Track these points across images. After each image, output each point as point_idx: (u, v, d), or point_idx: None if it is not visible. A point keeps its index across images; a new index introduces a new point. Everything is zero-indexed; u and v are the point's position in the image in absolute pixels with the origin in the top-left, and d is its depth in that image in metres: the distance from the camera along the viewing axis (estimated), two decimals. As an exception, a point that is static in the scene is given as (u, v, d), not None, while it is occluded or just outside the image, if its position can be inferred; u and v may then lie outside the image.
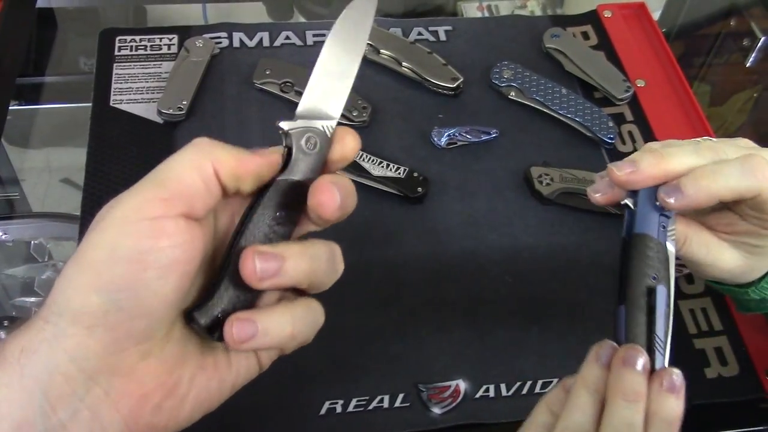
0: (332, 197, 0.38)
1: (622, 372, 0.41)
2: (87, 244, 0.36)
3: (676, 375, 0.41)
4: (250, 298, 0.39)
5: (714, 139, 0.47)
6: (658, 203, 0.44)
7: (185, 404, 0.38)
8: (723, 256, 0.48)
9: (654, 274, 0.43)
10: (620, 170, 0.44)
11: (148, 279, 0.35)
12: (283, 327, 0.39)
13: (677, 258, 0.45)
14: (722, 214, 0.47)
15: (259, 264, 0.37)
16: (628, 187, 0.44)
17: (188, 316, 0.39)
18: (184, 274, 0.36)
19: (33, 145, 0.90)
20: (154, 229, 0.35)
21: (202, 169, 0.37)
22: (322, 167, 0.41)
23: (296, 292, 0.41)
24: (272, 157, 0.40)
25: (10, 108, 0.87)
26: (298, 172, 0.40)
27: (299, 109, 0.41)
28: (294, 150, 0.40)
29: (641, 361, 0.41)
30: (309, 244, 0.40)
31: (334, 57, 0.43)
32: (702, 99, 1.03)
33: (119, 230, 0.35)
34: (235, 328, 0.37)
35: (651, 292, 0.43)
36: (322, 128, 0.41)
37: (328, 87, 0.43)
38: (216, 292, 0.38)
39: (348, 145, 0.41)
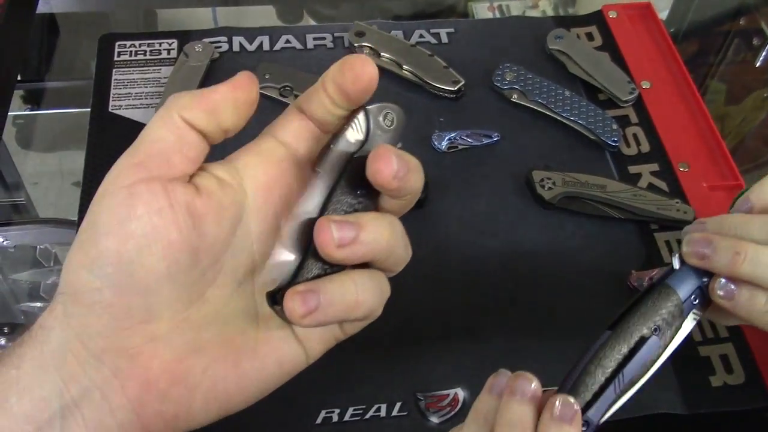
0: (389, 164, 0.37)
1: (508, 401, 0.39)
2: (81, 226, 0.36)
3: (570, 403, 0.39)
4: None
5: None
6: (705, 280, 0.43)
7: (196, 396, 0.37)
8: None
9: (657, 326, 0.42)
10: (692, 246, 0.43)
11: (131, 251, 0.34)
12: (347, 294, 0.37)
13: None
14: None
15: (336, 231, 0.36)
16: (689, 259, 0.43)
17: (269, 300, 0.38)
18: (170, 243, 0.35)
19: (43, 149, 0.90)
20: (128, 196, 0.35)
21: (170, 122, 0.36)
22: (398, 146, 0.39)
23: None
24: (239, 80, 0.38)
25: (20, 113, 0.87)
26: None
27: None
28: (372, 126, 0.39)
29: (530, 389, 0.39)
30: (385, 214, 0.39)
31: None
32: (717, 98, 1.02)
33: (99, 204, 0.35)
34: (297, 302, 0.36)
35: (643, 339, 0.41)
36: (397, 106, 0.40)
37: None
38: (297, 273, 0.37)
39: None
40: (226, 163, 0.40)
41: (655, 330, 0.42)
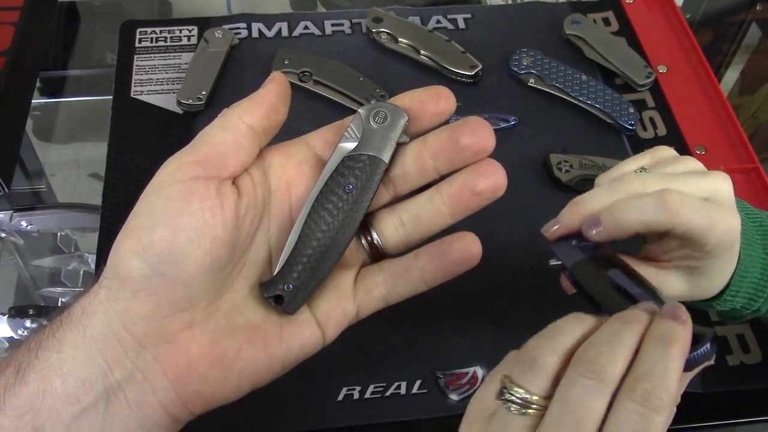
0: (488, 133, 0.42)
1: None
2: (132, 213, 0.38)
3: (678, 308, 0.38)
4: (317, 273, 0.41)
5: (666, 155, 0.48)
6: (574, 242, 0.46)
7: (231, 376, 0.39)
8: (667, 283, 0.46)
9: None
10: (547, 230, 0.47)
11: (181, 242, 0.37)
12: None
13: None
14: (659, 243, 0.46)
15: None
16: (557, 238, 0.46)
17: (262, 289, 0.41)
18: (216, 239, 0.38)
19: (61, 140, 0.91)
20: (185, 190, 0.37)
21: (231, 126, 0.39)
22: (395, 143, 0.42)
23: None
24: (276, 76, 0.41)
25: (38, 102, 0.88)
26: (368, 146, 0.41)
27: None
28: (364, 125, 0.41)
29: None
30: None
31: None
32: (732, 88, 1.02)
33: (156, 195, 0.38)
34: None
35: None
36: (391, 104, 0.42)
37: None
38: (284, 266, 0.40)
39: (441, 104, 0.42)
40: (257, 163, 0.42)
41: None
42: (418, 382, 0.57)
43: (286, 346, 0.41)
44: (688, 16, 0.97)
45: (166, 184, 0.38)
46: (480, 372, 0.57)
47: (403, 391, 0.56)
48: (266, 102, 0.40)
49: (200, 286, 0.38)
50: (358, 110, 0.42)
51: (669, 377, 0.33)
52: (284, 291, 0.40)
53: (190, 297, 0.38)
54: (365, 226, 0.43)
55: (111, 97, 0.74)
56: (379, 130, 0.41)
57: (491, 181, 0.43)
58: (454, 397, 0.56)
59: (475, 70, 0.75)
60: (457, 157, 0.42)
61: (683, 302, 0.45)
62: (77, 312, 0.38)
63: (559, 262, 0.46)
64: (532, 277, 0.63)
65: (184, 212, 0.37)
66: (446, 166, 0.42)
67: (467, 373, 0.57)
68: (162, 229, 0.37)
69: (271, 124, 0.41)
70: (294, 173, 0.42)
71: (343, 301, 0.43)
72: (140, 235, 0.37)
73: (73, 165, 0.89)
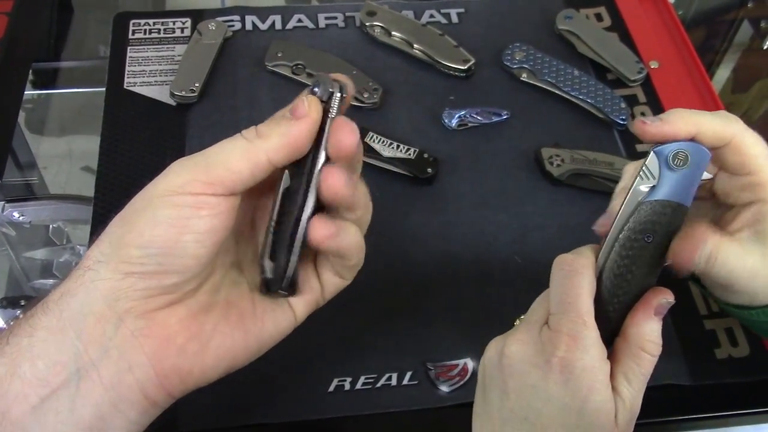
0: (352, 134, 0.40)
1: None
2: (132, 207, 0.39)
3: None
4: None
5: None
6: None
7: (208, 351, 0.40)
8: (739, 252, 0.44)
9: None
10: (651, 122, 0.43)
11: (186, 242, 0.38)
12: (357, 235, 0.43)
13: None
14: (725, 213, 0.47)
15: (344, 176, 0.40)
16: (656, 137, 0.43)
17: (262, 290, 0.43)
18: (218, 239, 0.39)
19: (53, 132, 0.91)
20: (195, 202, 0.38)
21: (254, 158, 0.39)
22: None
23: None
24: (312, 114, 0.41)
25: (31, 94, 0.88)
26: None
27: None
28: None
29: None
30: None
31: None
32: (724, 86, 1.02)
33: (163, 200, 0.38)
34: (320, 228, 0.41)
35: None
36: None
37: None
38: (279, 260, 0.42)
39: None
40: None
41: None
42: (408, 374, 0.57)
43: (260, 323, 0.43)
44: (680, 12, 0.97)
45: (174, 193, 0.38)
46: (470, 364, 0.58)
47: (393, 382, 0.57)
48: (297, 144, 0.40)
49: (193, 275, 0.40)
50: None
51: None
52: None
53: (181, 284, 0.39)
54: None
55: (104, 89, 0.74)
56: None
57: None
58: (444, 388, 0.57)
59: (468, 65, 0.75)
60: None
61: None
62: (55, 296, 0.38)
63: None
64: (523, 269, 0.63)
65: (192, 217, 0.38)
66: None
67: (458, 365, 0.58)
68: (167, 228, 0.38)
69: (294, 157, 0.41)
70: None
71: (310, 279, 0.45)
72: (143, 230, 0.38)
73: (66, 157, 0.89)
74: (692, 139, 0.42)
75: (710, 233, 0.43)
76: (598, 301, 0.42)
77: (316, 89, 0.42)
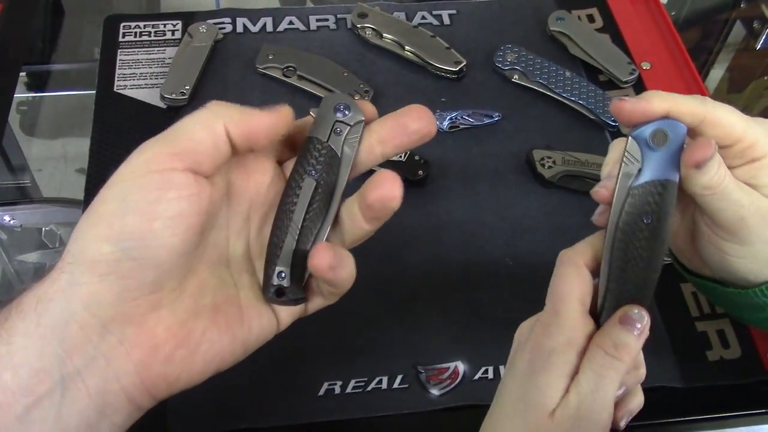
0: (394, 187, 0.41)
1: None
2: (98, 199, 0.38)
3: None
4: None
5: None
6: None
7: (196, 357, 0.40)
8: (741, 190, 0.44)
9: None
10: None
11: (157, 229, 0.37)
12: (353, 267, 0.42)
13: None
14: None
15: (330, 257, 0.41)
16: (633, 114, 0.43)
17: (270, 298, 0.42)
18: (191, 227, 0.38)
19: (47, 135, 0.91)
20: (162, 180, 0.37)
21: (212, 128, 0.39)
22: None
23: None
24: (283, 111, 0.41)
25: (23, 98, 0.88)
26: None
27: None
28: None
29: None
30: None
31: None
32: (720, 86, 1.02)
33: (129, 183, 0.37)
34: (324, 256, 0.40)
35: None
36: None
37: None
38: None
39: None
40: None
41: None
42: (399, 377, 0.57)
43: (246, 327, 0.42)
44: (672, 13, 0.97)
45: (139, 173, 0.37)
46: (461, 367, 0.57)
47: (384, 385, 0.56)
48: (253, 126, 0.40)
49: (170, 269, 0.38)
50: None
51: None
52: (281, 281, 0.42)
53: (159, 279, 0.38)
54: None
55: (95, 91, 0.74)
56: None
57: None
58: (435, 391, 0.56)
59: (460, 66, 0.75)
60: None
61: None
62: (31, 301, 0.37)
63: None
64: (514, 272, 0.63)
65: (160, 200, 0.37)
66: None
67: (448, 368, 0.57)
68: (136, 215, 0.36)
69: (248, 146, 0.41)
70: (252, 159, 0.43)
71: None
72: (111, 221, 0.37)
73: (61, 159, 0.89)
74: (666, 117, 0.43)
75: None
76: (606, 290, 0.42)
77: (341, 109, 0.42)
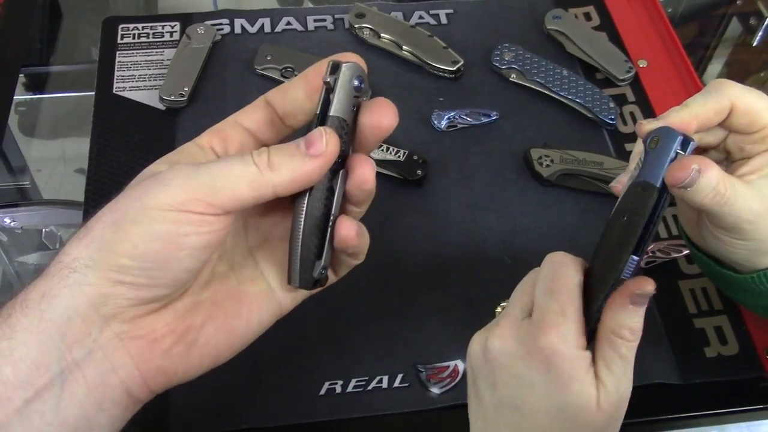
0: (391, 114, 0.42)
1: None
2: (126, 216, 0.38)
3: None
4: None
5: None
6: None
7: (193, 351, 0.40)
8: (747, 191, 0.45)
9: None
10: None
11: (181, 257, 0.38)
12: (367, 234, 0.43)
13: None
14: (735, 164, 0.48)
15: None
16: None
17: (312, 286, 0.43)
18: (211, 252, 0.40)
19: (46, 135, 0.91)
20: (195, 221, 0.38)
21: (261, 192, 0.39)
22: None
23: None
24: (329, 155, 0.40)
25: (22, 99, 0.88)
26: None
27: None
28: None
29: None
30: None
31: None
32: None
33: (162, 215, 0.37)
34: (348, 227, 0.41)
35: None
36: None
37: None
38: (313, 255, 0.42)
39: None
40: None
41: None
42: (399, 376, 0.57)
43: (245, 320, 0.42)
44: (669, 10, 0.97)
45: (174, 209, 0.37)
46: (461, 365, 0.58)
47: (384, 384, 0.57)
48: (308, 181, 0.40)
49: (182, 285, 0.40)
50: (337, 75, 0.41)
51: None
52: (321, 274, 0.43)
53: (171, 294, 0.39)
54: None
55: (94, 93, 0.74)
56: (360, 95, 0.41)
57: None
58: (435, 390, 0.57)
59: (457, 66, 0.75)
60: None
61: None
62: (35, 296, 0.37)
63: None
64: (513, 270, 0.63)
65: (191, 234, 0.38)
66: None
67: (448, 366, 0.58)
68: (163, 243, 0.37)
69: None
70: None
71: None
72: (137, 242, 0.37)
73: (60, 160, 0.89)
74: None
75: (713, 165, 0.42)
76: (588, 288, 0.42)
77: (359, 81, 0.41)
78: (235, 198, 0.38)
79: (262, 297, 0.43)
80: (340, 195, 0.42)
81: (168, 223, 0.37)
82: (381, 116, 0.41)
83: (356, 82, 0.41)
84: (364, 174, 0.41)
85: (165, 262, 0.37)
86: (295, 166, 0.39)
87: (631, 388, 0.42)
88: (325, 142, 0.39)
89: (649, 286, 0.40)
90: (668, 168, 0.42)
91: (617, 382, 0.41)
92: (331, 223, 0.42)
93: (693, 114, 0.44)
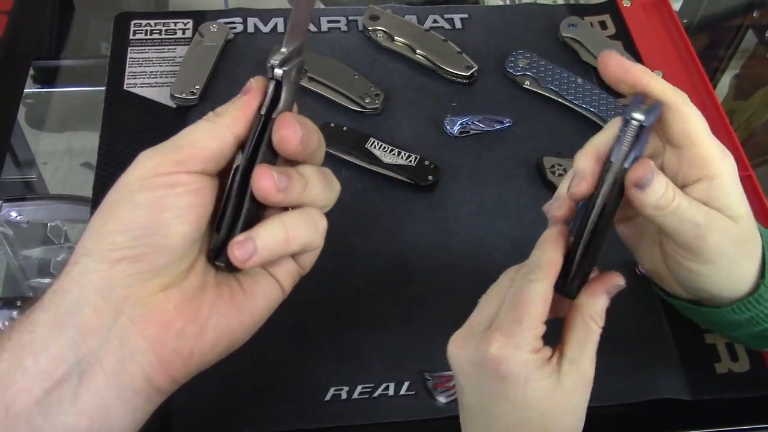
0: (294, 131, 0.41)
1: None
2: (107, 200, 0.40)
3: None
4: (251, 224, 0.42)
5: None
6: None
7: (207, 330, 0.41)
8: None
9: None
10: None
11: (167, 219, 0.39)
12: (277, 234, 0.42)
13: None
14: None
15: (277, 179, 0.40)
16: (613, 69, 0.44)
17: (209, 258, 0.42)
18: (201, 216, 0.40)
19: (54, 128, 0.91)
20: (168, 181, 0.39)
21: (219, 135, 0.41)
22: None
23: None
24: (261, 83, 0.43)
25: (30, 91, 0.88)
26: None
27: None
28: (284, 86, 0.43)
29: None
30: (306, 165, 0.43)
31: None
32: (727, 93, 1.02)
33: (137, 185, 0.39)
34: (237, 250, 0.41)
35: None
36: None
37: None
38: (222, 229, 0.42)
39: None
40: None
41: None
42: (406, 384, 0.57)
43: (251, 298, 0.43)
44: (684, 21, 0.97)
45: (146, 176, 0.39)
46: (468, 375, 0.57)
47: (391, 392, 0.56)
48: (252, 112, 0.42)
49: (182, 253, 0.40)
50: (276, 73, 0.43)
51: None
52: None
53: (172, 263, 0.40)
54: None
55: (104, 88, 0.74)
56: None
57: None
58: (441, 399, 0.56)
59: (471, 71, 0.75)
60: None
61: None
62: (50, 293, 0.39)
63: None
64: (522, 280, 0.63)
65: (168, 196, 0.39)
66: None
67: (455, 375, 0.57)
68: (146, 209, 0.39)
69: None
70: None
71: None
72: (122, 216, 0.39)
73: (66, 154, 0.89)
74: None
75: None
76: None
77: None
78: (197, 147, 0.40)
79: (261, 276, 0.44)
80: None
81: (145, 191, 0.39)
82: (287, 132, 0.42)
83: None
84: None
85: (153, 228, 0.39)
86: (237, 104, 0.42)
87: (593, 373, 0.44)
88: (254, 81, 0.43)
89: (621, 280, 0.45)
90: (630, 170, 0.43)
91: (590, 362, 0.43)
92: (234, 198, 0.42)
93: (650, 76, 0.43)
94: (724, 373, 0.59)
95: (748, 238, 0.45)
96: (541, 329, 0.42)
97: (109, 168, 0.67)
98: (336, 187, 0.45)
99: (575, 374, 0.43)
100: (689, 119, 0.43)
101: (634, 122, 0.42)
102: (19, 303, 0.74)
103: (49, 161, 0.87)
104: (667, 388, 0.57)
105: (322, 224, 0.44)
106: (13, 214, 0.77)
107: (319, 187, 0.43)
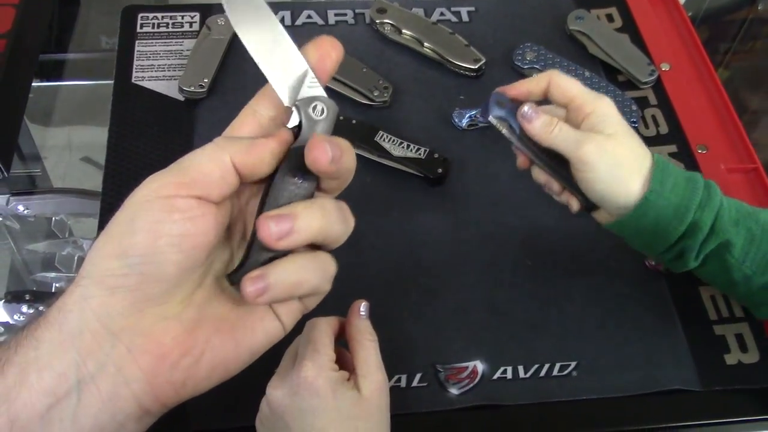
0: (324, 152, 0.40)
1: None
2: (113, 221, 0.40)
3: None
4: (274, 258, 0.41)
5: None
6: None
7: (201, 364, 0.41)
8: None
9: None
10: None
11: (162, 246, 0.38)
12: (290, 276, 0.41)
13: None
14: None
15: (274, 226, 0.39)
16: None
17: (228, 280, 0.42)
18: (197, 245, 0.39)
19: (55, 122, 0.91)
20: (166, 205, 0.39)
21: (219, 160, 0.40)
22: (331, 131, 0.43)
23: (314, 249, 0.43)
24: (282, 135, 0.42)
25: (33, 85, 0.87)
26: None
27: (283, 95, 0.43)
28: (303, 119, 0.42)
29: None
30: (315, 200, 0.42)
31: (256, 37, 0.45)
32: (734, 85, 1.02)
33: (138, 207, 0.39)
34: (249, 286, 0.40)
35: None
36: (323, 94, 0.43)
37: (280, 58, 0.44)
38: (247, 257, 0.41)
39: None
40: None
41: None
42: (418, 376, 0.57)
43: (251, 333, 0.43)
44: (690, 13, 0.97)
45: (148, 198, 0.39)
46: (480, 366, 0.57)
47: (403, 384, 0.56)
48: (259, 154, 0.41)
49: (177, 283, 0.40)
50: (296, 102, 0.42)
51: None
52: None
53: (167, 293, 0.40)
54: None
55: (108, 81, 0.74)
56: (319, 121, 0.42)
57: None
58: (454, 390, 0.56)
59: (479, 64, 0.75)
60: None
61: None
62: (54, 312, 0.39)
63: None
64: (532, 272, 0.63)
65: (165, 221, 0.38)
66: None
67: (467, 367, 0.57)
68: (142, 234, 0.38)
69: (255, 174, 0.41)
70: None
71: None
72: (120, 239, 0.39)
73: (66, 148, 0.88)
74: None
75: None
76: None
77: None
78: (200, 172, 0.39)
79: (264, 312, 0.44)
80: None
81: (143, 212, 0.39)
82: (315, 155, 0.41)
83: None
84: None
85: (149, 255, 0.38)
86: (251, 142, 0.41)
87: (385, 375, 0.51)
88: (279, 133, 0.42)
89: (360, 304, 0.54)
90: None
91: (377, 368, 0.51)
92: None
93: (525, 87, 0.58)
94: (733, 365, 0.59)
95: (627, 151, 0.56)
96: (333, 355, 0.51)
97: (117, 161, 0.67)
98: (351, 222, 0.44)
99: (370, 383, 0.50)
100: (561, 84, 0.57)
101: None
102: (27, 297, 0.75)
103: (48, 155, 0.87)
104: (677, 379, 0.57)
105: (332, 270, 0.44)
106: (21, 207, 0.77)
107: (334, 224, 0.43)
